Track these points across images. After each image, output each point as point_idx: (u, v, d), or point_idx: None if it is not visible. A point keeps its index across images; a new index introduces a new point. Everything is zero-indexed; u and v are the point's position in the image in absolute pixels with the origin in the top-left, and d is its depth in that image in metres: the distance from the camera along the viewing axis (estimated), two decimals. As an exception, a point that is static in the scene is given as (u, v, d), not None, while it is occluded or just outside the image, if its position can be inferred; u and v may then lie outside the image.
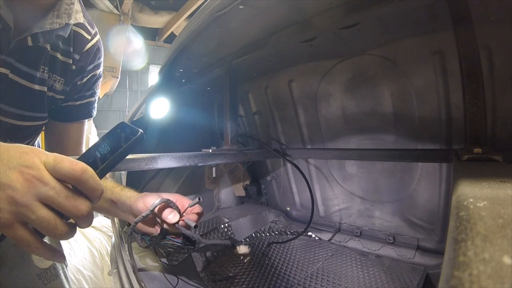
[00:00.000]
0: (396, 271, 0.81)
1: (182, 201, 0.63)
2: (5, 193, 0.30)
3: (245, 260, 0.71)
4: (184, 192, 1.17)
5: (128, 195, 0.64)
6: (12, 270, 0.68)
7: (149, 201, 0.60)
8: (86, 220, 0.35)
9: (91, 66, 0.68)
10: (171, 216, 0.59)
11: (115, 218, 0.88)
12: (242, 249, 0.75)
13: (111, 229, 1.45)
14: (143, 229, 0.65)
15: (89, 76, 0.68)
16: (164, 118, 1.01)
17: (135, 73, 3.59)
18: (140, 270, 0.75)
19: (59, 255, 0.37)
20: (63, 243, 1.45)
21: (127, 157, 0.60)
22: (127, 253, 0.75)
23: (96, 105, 0.75)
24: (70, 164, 0.33)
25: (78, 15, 0.61)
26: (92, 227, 1.85)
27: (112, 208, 0.66)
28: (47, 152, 0.34)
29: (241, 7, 0.54)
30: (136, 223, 0.61)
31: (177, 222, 0.60)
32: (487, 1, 0.53)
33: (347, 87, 0.89)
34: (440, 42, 0.68)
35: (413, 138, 0.82)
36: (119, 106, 3.47)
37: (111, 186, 0.65)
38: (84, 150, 0.67)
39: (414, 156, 0.74)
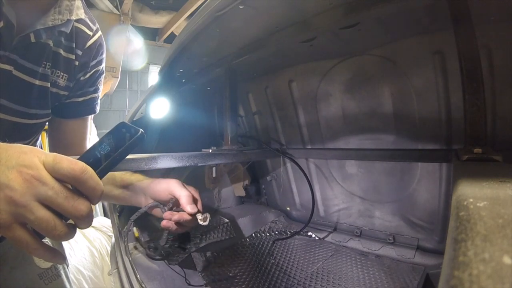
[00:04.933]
0: (396, 271, 0.81)
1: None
2: (3, 193, 0.30)
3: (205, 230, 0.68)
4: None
5: (138, 178, 0.70)
6: (13, 269, 0.68)
7: (172, 185, 0.65)
8: (85, 221, 0.35)
9: (94, 62, 0.68)
10: (189, 208, 0.63)
11: (115, 218, 0.88)
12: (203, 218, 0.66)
13: (111, 229, 1.45)
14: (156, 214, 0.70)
15: (92, 72, 0.69)
16: (164, 118, 1.01)
17: (135, 73, 3.59)
18: (140, 270, 0.75)
19: (59, 257, 0.37)
20: (64, 243, 1.45)
21: (127, 157, 0.61)
22: (127, 253, 0.75)
23: (99, 101, 0.75)
24: (70, 163, 0.33)
25: (79, 11, 0.62)
26: (92, 227, 1.86)
27: (123, 194, 0.69)
28: (46, 152, 0.34)
29: (241, 7, 0.54)
30: (135, 216, 0.67)
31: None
32: (487, 1, 0.53)
33: (347, 87, 0.89)
34: (440, 42, 0.68)
35: (413, 138, 0.82)
36: (119, 106, 3.47)
37: (120, 174, 0.69)
38: (88, 147, 0.70)
39: (414, 156, 0.74)
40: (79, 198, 0.34)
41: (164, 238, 0.72)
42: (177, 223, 0.64)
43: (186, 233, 0.70)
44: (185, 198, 0.63)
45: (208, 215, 0.64)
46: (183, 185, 0.66)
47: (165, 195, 0.66)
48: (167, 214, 0.64)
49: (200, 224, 0.64)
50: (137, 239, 0.85)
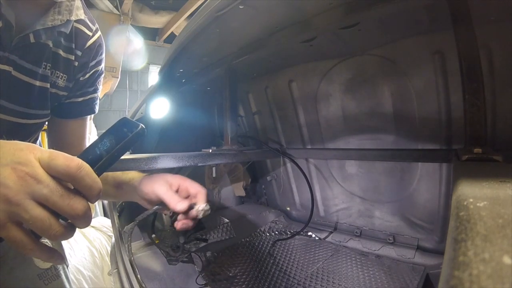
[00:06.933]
0: (396, 271, 0.81)
1: (187, 185, 0.64)
2: None
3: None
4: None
5: (130, 177, 0.68)
6: (13, 270, 0.68)
7: (157, 188, 0.62)
8: (83, 220, 0.33)
9: (93, 62, 0.68)
10: (179, 205, 0.59)
11: (115, 218, 0.88)
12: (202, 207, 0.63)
13: (111, 229, 1.45)
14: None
15: (91, 72, 0.69)
16: (164, 118, 1.01)
17: (135, 73, 3.58)
18: (140, 270, 0.75)
19: (58, 257, 0.36)
20: (64, 243, 1.45)
21: (127, 157, 0.61)
22: (127, 253, 0.75)
23: (98, 101, 0.75)
24: (65, 160, 0.32)
25: (79, 12, 0.62)
26: (92, 227, 1.85)
27: (116, 193, 0.69)
28: (43, 149, 0.33)
29: (241, 7, 0.54)
30: (141, 217, 0.66)
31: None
32: (487, 1, 0.53)
33: (347, 87, 0.89)
34: (440, 42, 0.68)
35: (413, 138, 0.82)
36: (119, 106, 3.47)
37: (112, 173, 0.69)
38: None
39: (414, 156, 0.74)
40: (75, 196, 0.32)
41: (182, 236, 0.72)
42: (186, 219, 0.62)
43: (198, 223, 0.67)
44: (170, 200, 0.60)
45: (207, 206, 0.63)
46: (169, 184, 0.63)
47: (154, 196, 0.63)
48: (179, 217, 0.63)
49: (203, 214, 0.62)
50: (157, 245, 0.83)
